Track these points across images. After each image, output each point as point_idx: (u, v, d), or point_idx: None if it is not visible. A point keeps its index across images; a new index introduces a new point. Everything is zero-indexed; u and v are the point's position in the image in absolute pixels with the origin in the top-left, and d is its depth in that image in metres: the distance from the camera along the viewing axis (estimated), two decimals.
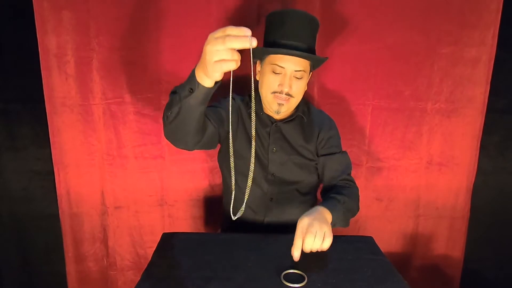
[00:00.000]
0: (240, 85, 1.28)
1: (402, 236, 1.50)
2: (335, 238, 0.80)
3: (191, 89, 0.75)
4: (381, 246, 0.95)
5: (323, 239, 0.79)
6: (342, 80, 1.36)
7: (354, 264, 0.85)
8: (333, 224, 0.90)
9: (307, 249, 0.79)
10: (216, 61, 0.62)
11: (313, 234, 0.79)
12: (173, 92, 0.81)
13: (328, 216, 0.88)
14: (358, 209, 1.06)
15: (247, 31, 0.58)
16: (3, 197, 1.39)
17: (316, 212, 0.86)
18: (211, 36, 0.61)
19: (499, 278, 1.56)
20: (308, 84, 1.32)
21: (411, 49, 1.33)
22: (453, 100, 1.38)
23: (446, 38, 1.32)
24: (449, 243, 1.51)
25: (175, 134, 0.88)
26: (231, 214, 0.73)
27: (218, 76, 0.67)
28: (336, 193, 0.99)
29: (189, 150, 0.96)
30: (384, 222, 1.48)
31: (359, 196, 1.08)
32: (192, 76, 0.74)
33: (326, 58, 1.05)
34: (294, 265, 0.81)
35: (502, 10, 1.29)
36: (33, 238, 1.44)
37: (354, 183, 1.11)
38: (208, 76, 0.68)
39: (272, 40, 1.00)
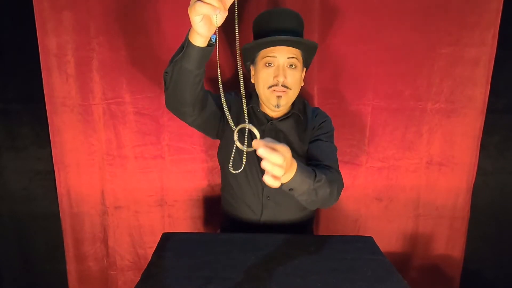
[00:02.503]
0: (244, 83, 1.29)
1: (402, 236, 1.50)
2: (335, 238, 0.80)
3: (182, 47, 0.76)
4: (381, 246, 0.95)
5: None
6: (342, 80, 1.36)
7: (354, 264, 0.85)
8: (290, 188, 0.81)
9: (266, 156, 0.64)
10: (196, 1, 0.61)
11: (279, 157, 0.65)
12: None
13: (293, 169, 0.78)
14: (330, 199, 0.90)
15: None
16: (3, 197, 1.39)
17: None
18: None
19: (499, 278, 1.56)
20: (308, 84, 1.33)
21: (411, 49, 1.33)
22: (453, 100, 1.38)
23: (446, 38, 1.32)
24: (449, 243, 1.51)
25: (173, 102, 0.90)
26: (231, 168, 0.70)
27: (199, 23, 0.65)
28: (318, 169, 0.88)
29: (189, 125, 0.97)
30: (384, 222, 1.48)
31: (338, 188, 0.93)
32: (186, 37, 0.75)
33: (315, 43, 1.04)
34: None
35: (502, 10, 1.29)
36: (34, 237, 1.44)
37: (339, 173, 0.99)
38: (192, 24, 0.67)
39: (260, 37, 1.02)
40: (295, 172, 0.78)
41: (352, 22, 1.30)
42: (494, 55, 1.33)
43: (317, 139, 1.08)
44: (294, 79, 1.01)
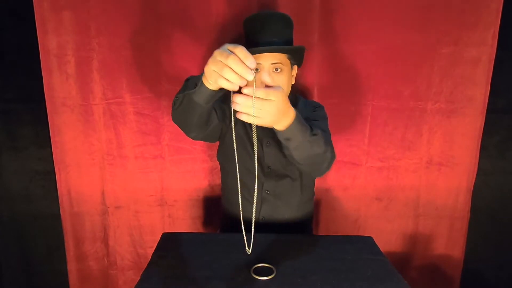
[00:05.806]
0: None
1: (402, 236, 1.50)
2: (335, 238, 0.80)
3: (196, 84, 0.76)
4: (381, 246, 0.95)
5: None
6: (342, 80, 1.36)
7: (354, 264, 0.85)
8: (286, 137, 0.79)
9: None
10: (214, 70, 0.63)
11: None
12: (187, 80, 0.84)
13: (290, 118, 0.76)
14: (322, 160, 0.89)
15: (251, 63, 0.59)
16: (4, 197, 1.40)
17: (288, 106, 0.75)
18: (226, 44, 0.62)
19: (499, 278, 1.56)
20: (308, 84, 1.33)
21: (411, 49, 1.33)
22: (453, 100, 1.38)
23: (446, 38, 1.32)
24: (449, 243, 1.51)
25: (180, 121, 0.92)
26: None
27: (213, 85, 0.68)
28: (315, 126, 0.86)
29: (191, 138, 0.99)
30: (384, 222, 1.48)
31: (332, 153, 0.91)
32: (200, 76, 0.75)
33: (300, 47, 1.03)
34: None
35: (502, 10, 1.29)
36: (34, 237, 1.44)
37: (331, 143, 0.94)
38: (206, 78, 0.69)
39: (249, 43, 1.04)
40: (293, 120, 0.76)
41: (352, 22, 1.30)
42: (494, 55, 1.33)
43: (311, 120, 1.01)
44: (279, 83, 1.02)
